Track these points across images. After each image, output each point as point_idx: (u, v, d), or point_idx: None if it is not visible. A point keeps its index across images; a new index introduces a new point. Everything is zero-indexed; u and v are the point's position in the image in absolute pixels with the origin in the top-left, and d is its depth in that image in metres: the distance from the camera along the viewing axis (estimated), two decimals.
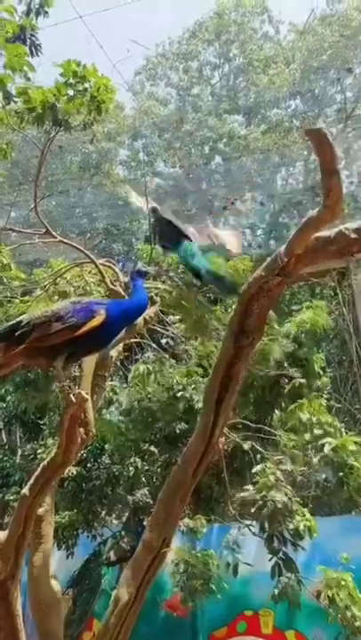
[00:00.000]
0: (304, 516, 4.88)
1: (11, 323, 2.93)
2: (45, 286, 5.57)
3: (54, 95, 3.79)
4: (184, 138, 17.07)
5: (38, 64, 4.40)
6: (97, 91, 3.78)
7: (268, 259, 3.35)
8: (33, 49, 4.69)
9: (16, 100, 4.00)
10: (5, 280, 5.20)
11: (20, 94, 3.91)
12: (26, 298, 5.67)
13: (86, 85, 3.79)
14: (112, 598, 4.04)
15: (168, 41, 18.43)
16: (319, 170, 2.87)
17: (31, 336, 2.78)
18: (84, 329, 2.78)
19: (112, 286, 4.90)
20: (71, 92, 3.81)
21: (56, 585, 4.92)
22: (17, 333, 2.80)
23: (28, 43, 4.50)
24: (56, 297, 5.82)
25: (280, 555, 5.11)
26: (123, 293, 4.86)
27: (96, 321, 2.82)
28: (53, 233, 4.76)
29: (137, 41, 17.61)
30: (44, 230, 4.73)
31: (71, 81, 3.76)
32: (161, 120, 17.28)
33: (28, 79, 3.82)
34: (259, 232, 15.82)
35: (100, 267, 4.97)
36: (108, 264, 5.44)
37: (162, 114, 17.46)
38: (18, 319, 2.91)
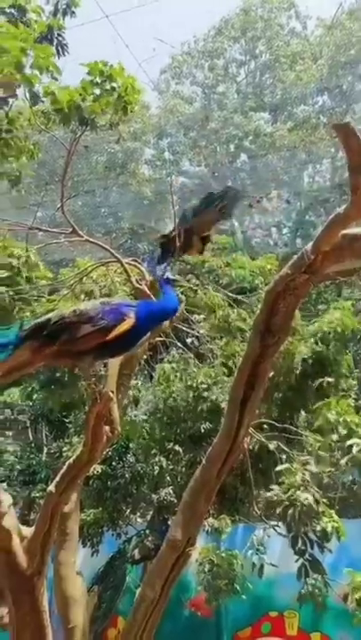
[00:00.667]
0: (331, 517, 4.81)
1: (39, 320, 2.88)
2: (72, 285, 5.61)
3: (80, 95, 3.80)
4: (209, 136, 17.03)
5: (64, 64, 4.44)
6: (124, 91, 3.78)
7: (295, 257, 3.31)
8: (60, 49, 4.72)
9: (43, 100, 4.04)
10: (33, 279, 5.25)
11: (47, 94, 3.94)
12: (52, 297, 5.72)
13: (113, 85, 3.79)
14: (137, 596, 4.06)
15: (193, 39, 18.38)
16: (347, 167, 2.82)
17: (60, 337, 2.73)
18: (114, 333, 2.73)
19: (137, 285, 4.91)
20: (97, 92, 3.82)
21: (81, 582, 4.97)
22: (45, 332, 2.76)
23: (54, 42, 4.54)
24: (82, 296, 5.87)
25: (306, 556, 5.05)
26: (148, 292, 4.87)
27: (126, 324, 2.77)
28: (80, 232, 4.79)
29: (162, 39, 17.63)
30: (71, 229, 4.77)
31: (97, 80, 3.77)
32: (186, 118, 17.26)
33: (55, 79, 3.84)
34: (285, 230, 15.69)
35: (126, 266, 4.98)
36: (133, 263, 5.45)
37: (187, 112, 17.44)
38: (46, 317, 2.86)
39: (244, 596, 5.58)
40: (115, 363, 4.06)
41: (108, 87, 3.79)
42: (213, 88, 18.44)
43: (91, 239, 5.01)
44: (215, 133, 16.78)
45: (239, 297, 6.52)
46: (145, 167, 17.28)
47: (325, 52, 16.25)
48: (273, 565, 5.69)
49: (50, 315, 2.88)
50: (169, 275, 3.31)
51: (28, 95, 3.91)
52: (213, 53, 18.29)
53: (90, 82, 3.82)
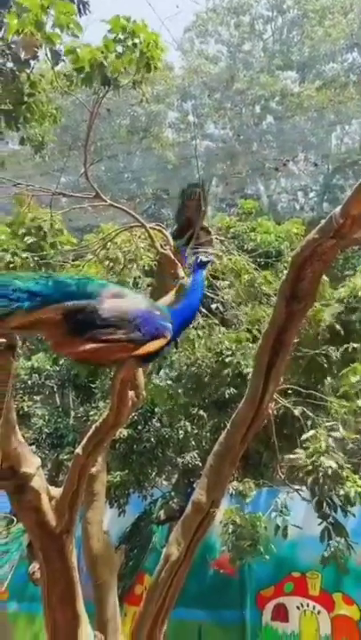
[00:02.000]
0: (355, 482, 4.83)
1: (79, 303, 2.55)
2: (96, 251, 5.61)
3: (102, 53, 3.71)
4: (234, 97, 16.60)
5: (86, 22, 4.32)
6: (146, 47, 3.67)
7: (323, 221, 3.23)
8: (81, 7, 4.59)
9: (64, 59, 3.95)
10: (58, 245, 5.26)
11: (69, 53, 3.85)
12: (77, 262, 5.74)
13: (136, 41, 3.68)
14: (162, 555, 4.16)
15: None
16: None
17: (86, 332, 2.47)
18: (144, 349, 2.55)
19: (162, 250, 4.88)
20: (120, 49, 3.71)
21: (108, 540, 5.11)
22: (77, 317, 2.49)
23: (75, 0, 4.41)
24: (106, 262, 5.87)
25: (330, 519, 5.10)
26: (173, 257, 4.83)
27: (159, 343, 2.61)
28: (103, 197, 4.75)
29: None
30: (94, 194, 4.73)
31: (120, 37, 3.66)
32: (211, 79, 16.82)
33: (77, 37, 3.75)
34: (312, 194, 15.37)
35: (150, 231, 4.94)
36: (157, 228, 5.41)
37: (212, 72, 16.98)
38: (85, 303, 2.55)
39: (267, 557, 5.68)
40: None
41: (130, 44, 3.68)
42: (239, 46, 17.89)
43: (114, 204, 4.97)
44: (240, 94, 16.34)
45: (265, 261, 6.44)
46: (169, 130, 16.99)
47: (356, 5, 15.54)
48: (297, 527, 5.77)
49: (88, 302, 2.56)
50: (202, 257, 3.18)
51: (49, 55, 3.83)
52: (239, 10, 17.68)
53: (112, 39, 3.72)
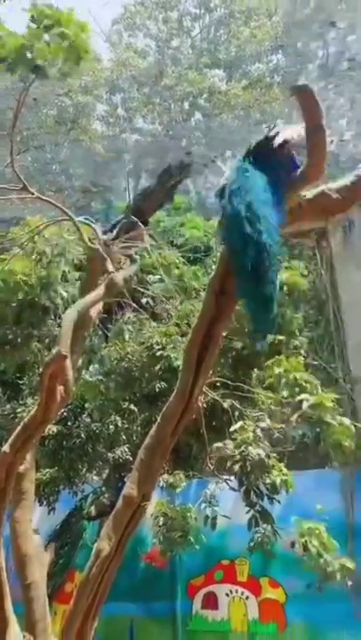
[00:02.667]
0: (281, 470, 5.01)
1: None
2: (23, 244, 5.47)
3: (29, 41, 3.61)
4: (163, 92, 16.62)
5: (9, 12, 4.20)
6: (75, 37, 3.61)
7: None
8: None
9: None
10: None
11: None
12: (3, 256, 5.57)
13: (63, 30, 3.60)
14: (93, 551, 4.14)
15: None
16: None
17: None
18: None
19: (91, 244, 4.83)
20: (47, 37, 3.63)
21: (38, 538, 5.02)
22: None
23: None
24: (34, 256, 5.74)
25: (257, 507, 5.27)
26: (102, 252, 4.80)
27: None
28: (30, 189, 4.64)
29: None
30: (21, 186, 4.61)
31: (47, 23, 3.57)
32: (140, 73, 16.75)
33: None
34: None
35: (79, 224, 4.88)
36: (86, 222, 5.35)
37: (141, 66, 16.91)
38: None
39: (197, 547, 5.79)
40: (69, 323, 4.01)
41: (57, 32, 3.60)
42: (167, 42, 17.91)
43: (42, 196, 4.86)
44: (169, 90, 16.38)
45: (194, 256, 6.53)
46: (97, 123, 16.76)
47: (281, 8, 15.98)
48: (225, 517, 5.91)
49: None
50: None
51: None
52: (167, 5, 17.70)
53: (38, 27, 3.62)
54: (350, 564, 4.70)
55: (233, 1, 17.04)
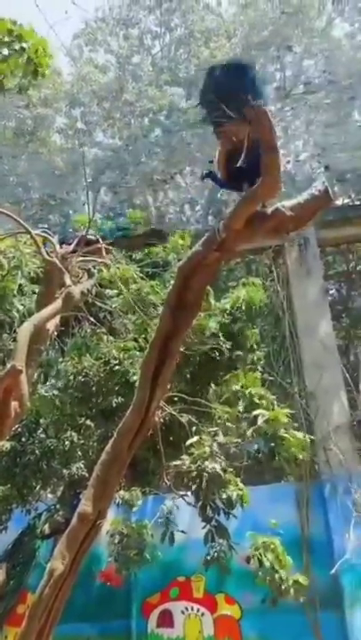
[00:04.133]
0: (237, 485, 5.04)
1: None
2: None
3: None
4: (124, 108, 16.71)
5: None
6: (34, 53, 3.61)
7: (207, 234, 3.37)
8: None
9: None
10: None
11: None
12: None
13: (23, 45, 3.60)
14: (46, 570, 4.04)
15: (108, 5, 17.85)
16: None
17: None
18: None
19: (48, 257, 4.79)
20: (6, 52, 3.61)
21: None
22: None
23: None
24: None
25: (213, 522, 5.27)
26: (60, 265, 4.77)
27: None
28: None
29: (76, 2, 16.92)
30: None
31: (6, 39, 3.56)
32: (100, 88, 16.80)
33: None
34: (197, 207, 15.83)
35: (36, 237, 4.84)
36: (43, 235, 5.31)
37: (101, 81, 16.97)
38: None
39: (153, 564, 5.74)
40: (24, 337, 3.95)
41: (17, 47, 3.60)
42: (128, 58, 18.04)
43: None
44: (129, 105, 16.49)
45: (152, 271, 6.55)
46: (56, 136, 16.68)
47: (239, 31, 16.39)
48: (182, 532, 5.89)
49: None
50: None
51: None
52: (128, 22, 17.87)
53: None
54: (303, 581, 4.75)
55: (193, 22, 17.35)
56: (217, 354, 6.17)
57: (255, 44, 15.83)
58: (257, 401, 4.79)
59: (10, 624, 6.93)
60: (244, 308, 6.54)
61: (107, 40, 18.18)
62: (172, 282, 3.71)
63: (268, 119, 2.75)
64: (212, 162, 3.48)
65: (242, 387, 5.03)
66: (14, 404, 3.41)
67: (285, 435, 4.65)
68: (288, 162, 12.97)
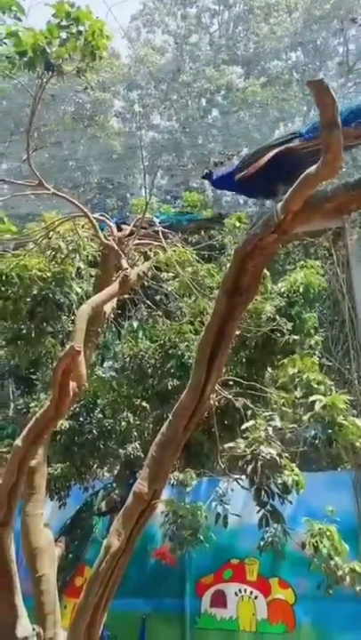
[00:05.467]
0: (293, 470, 4.97)
1: None
2: (38, 240, 5.50)
3: (46, 38, 3.62)
4: (181, 89, 16.59)
5: (29, 6, 4.21)
6: (91, 35, 3.61)
7: (264, 216, 3.30)
8: None
9: (5, 42, 3.83)
10: None
11: (10, 36, 3.74)
12: (17, 252, 5.61)
13: (80, 28, 3.61)
14: (103, 546, 4.16)
15: None
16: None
17: None
18: None
19: (106, 241, 4.84)
20: (64, 35, 3.63)
21: (48, 532, 5.04)
22: None
23: None
24: (49, 252, 5.76)
25: (267, 507, 5.24)
26: (116, 248, 4.81)
27: None
28: (46, 185, 4.66)
29: None
30: (37, 182, 4.63)
31: (64, 23, 3.58)
32: (157, 69, 16.74)
33: (19, 19, 3.63)
34: None
35: (94, 221, 4.89)
36: (101, 218, 5.35)
37: (158, 63, 16.89)
38: None
39: (207, 545, 5.79)
40: (82, 319, 4.02)
41: (74, 30, 3.61)
42: (186, 38, 17.87)
43: (58, 192, 4.88)
44: (187, 86, 16.36)
45: (208, 254, 6.50)
46: (114, 119, 16.80)
47: (301, 4, 15.85)
48: (236, 515, 5.90)
49: None
50: None
51: None
52: (186, 1, 17.65)
53: (56, 24, 3.63)
54: (360, 569, 4.65)
55: None
56: (277, 334, 6.05)
57: (317, 18, 15.28)
58: (315, 385, 4.69)
59: (68, 595, 7.20)
60: (301, 291, 6.39)
61: (164, 20, 18.06)
62: (229, 265, 3.66)
63: (330, 94, 2.63)
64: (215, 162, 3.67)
65: (299, 371, 4.94)
66: (73, 385, 3.48)
67: (343, 421, 4.53)
68: None
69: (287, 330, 6.00)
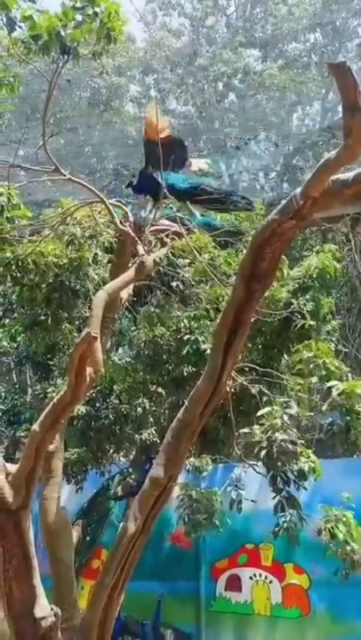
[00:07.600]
0: (309, 457, 4.97)
1: None
2: (54, 226, 5.51)
3: (61, 20, 3.58)
4: (197, 73, 16.39)
5: None
6: (107, 17, 3.57)
7: (283, 201, 3.26)
8: None
9: (20, 26, 3.81)
10: (14, 219, 5.12)
11: (25, 19, 3.71)
12: (34, 237, 5.62)
13: (96, 10, 3.57)
14: (119, 530, 4.21)
15: None
16: (339, 109, 2.73)
17: None
18: None
19: (122, 227, 4.83)
20: (79, 18, 3.60)
21: (65, 515, 5.12)
22: None
23: None
24: (65, 237, 5.77)
25: (283, 493, 5.26)
26: (132, 234, 4.80)
27: None
28: (62, 171, 4.65)
29: None
30: (53, 168, 4.62)
31: (79, 4, 3.54)
32: (173, 53, 16.56)
33: (34, 2, 3.61)
34: (272, 175, 15.41)
35: (110, 207, 4.88)
36: (117, 204, 5.34)
37: (174, 47, 16.70)
38: None
39: (222, 530, 5.83)
40: (99, 305, 4.03)
41: (90, 12, 3.57)
42: (202, 21, 17.63)
43: (74, 178, 4.87)
44: (203, 70, 16.16)
45: (225, 240, 6.46)
46: (130, 105, 16.69)
47: None
48: (251, 501, 5.93)
49: None
50: None
51: (4, 20, 3.68)
52: None
53: (71, 7, 3.60)
54: None
55: None
56: (296, 316, 5.98)
57: None
58: (332, 369, 4.66)
59: (85, 577, 7.33)
60: (315, 275, 6.30)
61: (180, 3, 17.80)
62: (246, 251, 3.63)
63: (352, 77, 2.58)
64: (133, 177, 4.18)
65: (314, 356, 4.90)
66: (89, 370, 3.50)
67: None
68: None
69: (306, 312, 5.91)
